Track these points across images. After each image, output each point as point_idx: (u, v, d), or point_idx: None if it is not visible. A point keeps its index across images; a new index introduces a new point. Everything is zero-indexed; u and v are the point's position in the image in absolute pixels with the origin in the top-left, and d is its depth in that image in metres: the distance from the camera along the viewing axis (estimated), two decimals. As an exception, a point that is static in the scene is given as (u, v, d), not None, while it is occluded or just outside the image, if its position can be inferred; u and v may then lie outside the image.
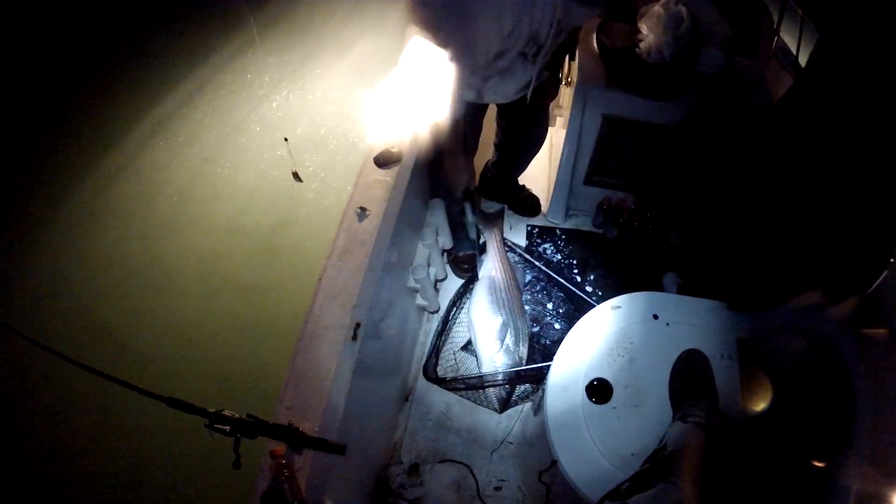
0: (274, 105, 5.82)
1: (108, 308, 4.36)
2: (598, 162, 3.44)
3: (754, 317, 2.42)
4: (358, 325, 2.19)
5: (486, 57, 2.20)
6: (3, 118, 5.70)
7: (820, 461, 2.01)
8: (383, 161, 2.73)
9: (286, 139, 3.80)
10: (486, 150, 3.56)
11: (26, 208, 5.06)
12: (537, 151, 3.44)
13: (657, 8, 2.85)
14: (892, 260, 2.09)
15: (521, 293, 3.21)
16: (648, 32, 2.86)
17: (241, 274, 4.47)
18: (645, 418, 2.16)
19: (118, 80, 6.16)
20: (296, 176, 3.27)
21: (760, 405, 2.17)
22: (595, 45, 3.17)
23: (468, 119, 2.51)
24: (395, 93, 2.74)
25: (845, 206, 2.09)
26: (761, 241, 2.47)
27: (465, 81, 2.25)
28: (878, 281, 2.11)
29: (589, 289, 3.46)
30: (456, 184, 2.78)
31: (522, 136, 3.29)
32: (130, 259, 4.66)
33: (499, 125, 3.31)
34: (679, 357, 2.27)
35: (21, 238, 4.83)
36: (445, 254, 3.47)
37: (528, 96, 2.63)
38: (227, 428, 1.48)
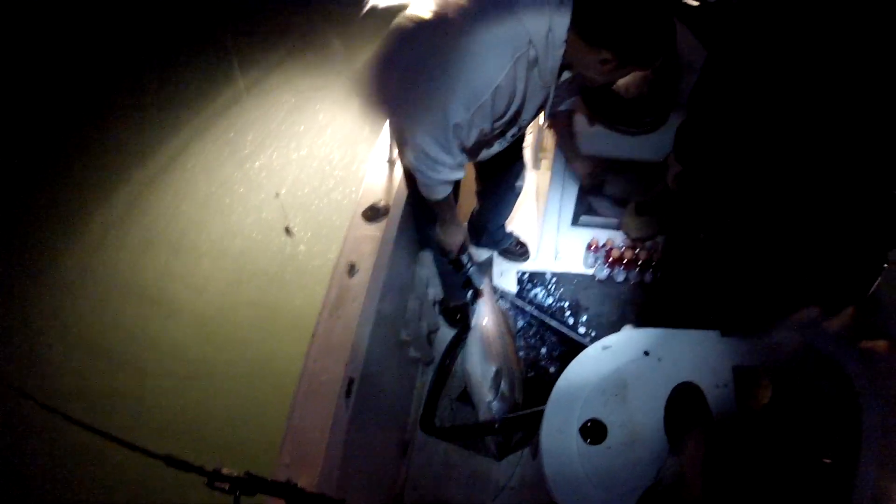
0: (257, 164, 5.92)
1: (101, 367, 4.41)
2: (585, 203, 3.51)
3: (749, 341, 2.47)
4: (352, 380, 2.26)
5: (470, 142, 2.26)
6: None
7: (826, 479, 2.06)
8: (371, 215, 2.82)
9: (277, 194, 3.92)
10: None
11: (16, 266, 5.12)
12: (519, 193, 3.47)
13: None
14: (885, 266, 2.15)
15: (514, 339, 3.27)
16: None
17: (233, 332, 4.54)
18: (642, 455, 2.21)
19: (105, 137, 6.31)
20: (287, 231, 3.37)
21: (760, 428, 2.22)
22: (574, 84, 3.23)
23: None
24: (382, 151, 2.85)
25: (831, 213, 2.15)
26: (750, 258, 2.53)
27: (451, 166, 2.31)
28: (873, 289, 2.17)
29: (582, 330, 3.53)
30: (453, 246, 2.84)
31: (501, 182, 3.34)
32: (120, 320, 4.71)
33: (476, 173, 3.37)
34: (672, 391, 2.33)
35: (10, 298, 4.90)
36: (437, 304, 3.53)
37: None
38: (227, 486, 1.54)
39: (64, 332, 4.66)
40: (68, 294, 4.93)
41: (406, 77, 2.21)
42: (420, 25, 2.14)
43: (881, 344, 2.12)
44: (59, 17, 7.90)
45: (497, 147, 2.57)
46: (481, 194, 3.52)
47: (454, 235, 2.77)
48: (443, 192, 2.44)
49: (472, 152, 2.41)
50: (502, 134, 2.45)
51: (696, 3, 3.48)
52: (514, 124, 2.38)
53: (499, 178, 3.30)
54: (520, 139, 3.00)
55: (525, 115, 2.34)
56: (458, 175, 2.38)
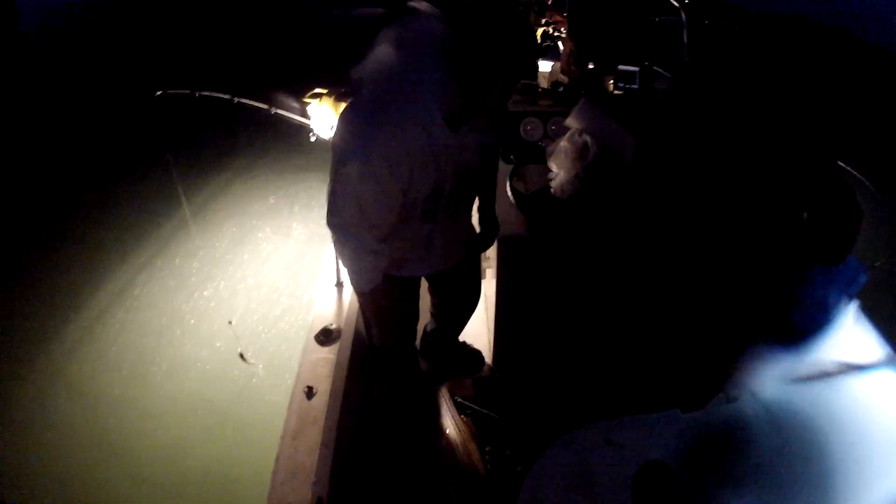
0: (206, 293, 6.09)
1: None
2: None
3: (711, 411, 2.60)
4: (320, 499, 2.36)
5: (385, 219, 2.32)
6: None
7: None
8: (324, 339, 2.98)
9: (230, 322, 4.08)
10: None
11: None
12: (475, 308, 3.52)
13: (563, 143, 2.99)
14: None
15: (477, 445, 3.38)
16: (558, 170, 3.06)
17: (193, 463, 4.57)
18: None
19: (48, 270, 6.47)
20: (242, 357, 3.51)
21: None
22: (509, 192, 3.30)
23: (398, 292, 2.75)
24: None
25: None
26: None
27: (369, 248, 2.35)
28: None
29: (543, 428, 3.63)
30: (381, 347, 2.99)
31: (458, 300, 3.40)
32: (67, 463, 4.66)
33: (430, 293, 3.41)
34: (638, 472, 2.43)
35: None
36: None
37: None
38: None
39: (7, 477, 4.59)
40: (12, 438, 4.89)
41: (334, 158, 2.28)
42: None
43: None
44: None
45: (437, 237, 2.65)
46: (437, 316, 3.59)
47: (384, 335, 2.91)
48: (369, 284, 2.49)
49: (394, 233, 2.45)
50: (431, 214, 2.49)
51: (619, 93, 3.76)
52: (437, 198, 2.42)
53: (455, 296, 3.38)
54: (476, 257, 3.19)
55: (445, 184, 2.39)
56: (378, 261, 2.43)
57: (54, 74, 11.54)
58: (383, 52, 2.20)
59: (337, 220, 2.30)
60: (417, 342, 3.73)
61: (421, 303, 3.27)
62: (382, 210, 2.29)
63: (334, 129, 2.26)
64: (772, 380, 2.39)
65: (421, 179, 2.28)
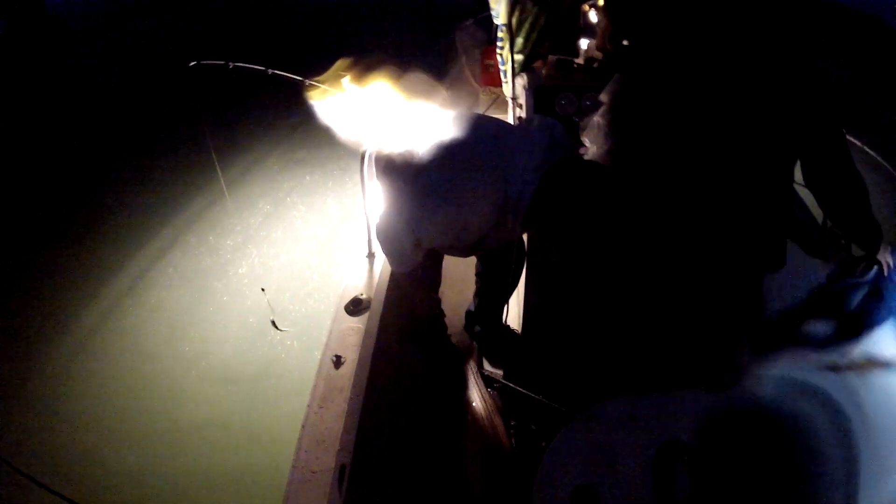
0: (241, 271, 6.18)
1: (88, 470, 4.47)
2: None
3: (736, 391, 2.62)
4: (344, 466, 2.42)
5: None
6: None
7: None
8: (354, 309, 3.04)
9: (263, 289, 4.13)
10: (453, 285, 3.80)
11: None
12: (518, 278, 3.54)
13: (596, 118, 3.05)
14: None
15: (503, 419, 3.42)
16: (591, 144, 3.11)
17: (222, 432, 4.67)
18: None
19: (85, 239, 6.63)
20: (274, 324, 3.58)
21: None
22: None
23: (428, 262, 2.88)
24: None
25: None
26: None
27: (413, 250, 2.65)
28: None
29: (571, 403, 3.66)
30: (424, 314, 3.20)
31: (504, 277, 3.39)
32: (107, 429, 4.76)
33: (477, 273, 3.49)
34: (658, 450, 2.46)
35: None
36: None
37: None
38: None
39: (34, 458, 4.50)
40: (38, 412, 4.92)
41: (399, 184, 2.66)
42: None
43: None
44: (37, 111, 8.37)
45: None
46: (481, 293, 3.60)
47: (423, 304, 3.17)
48: (404, 267, 2.81)
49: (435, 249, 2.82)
50: (473, 250, 2.93)
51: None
52: (479, 245, 2.79)
53: (502, 274, 3.38)
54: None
55: (488, 242, 2.76)
56: (418, 253, 2.70)
57: (89, 54, 11.81)
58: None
59: (394, 227, 2.63)
60: (461, 321, 3.82)
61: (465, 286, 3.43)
62: (435, 241, 2.68)
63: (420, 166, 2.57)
64: (799, 365, 2.41)
65: (470, 238, 2.67)
